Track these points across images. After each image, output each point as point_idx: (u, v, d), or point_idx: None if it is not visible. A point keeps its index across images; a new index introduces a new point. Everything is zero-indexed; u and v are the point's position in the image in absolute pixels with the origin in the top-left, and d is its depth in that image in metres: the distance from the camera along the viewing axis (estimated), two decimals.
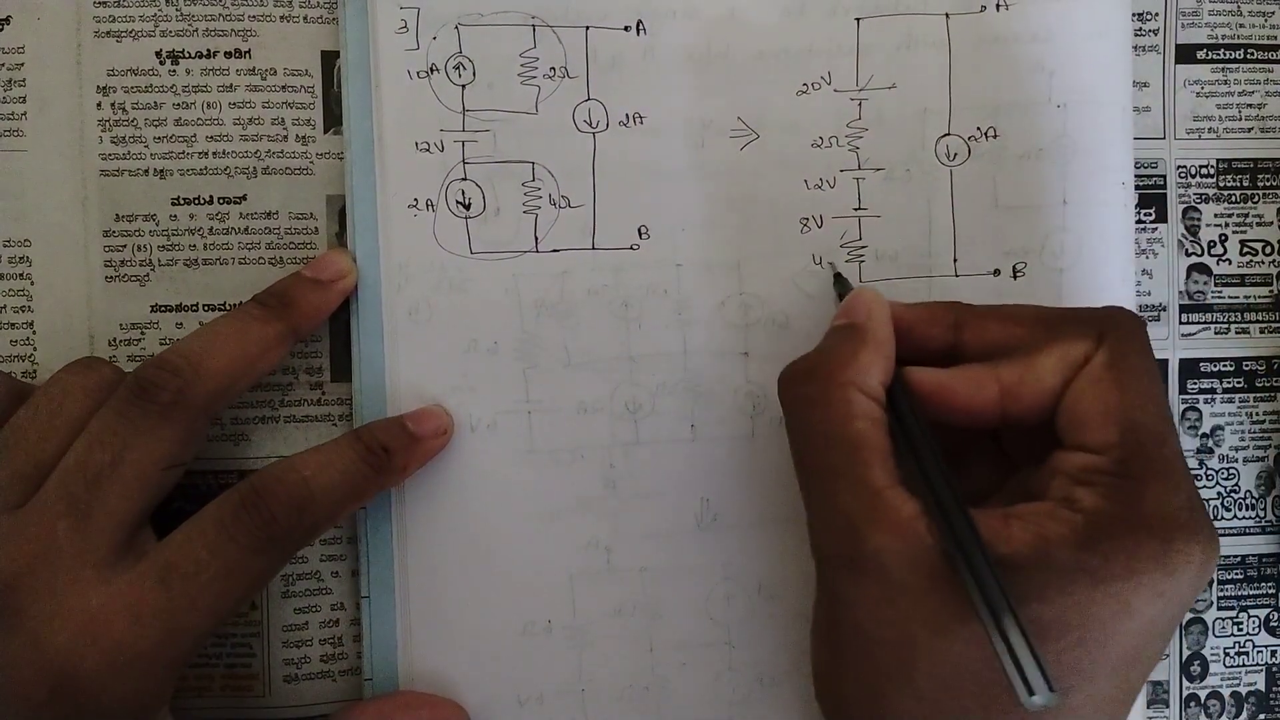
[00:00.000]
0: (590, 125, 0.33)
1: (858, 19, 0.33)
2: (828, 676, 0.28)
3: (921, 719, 0.26)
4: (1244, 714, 0.37)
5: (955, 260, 0.33)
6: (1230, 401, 0.37)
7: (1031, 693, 0.23)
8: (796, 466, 0.28)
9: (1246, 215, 0.37)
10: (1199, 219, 0.36)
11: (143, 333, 0.33)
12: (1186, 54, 0.36)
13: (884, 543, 0.25)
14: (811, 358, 0.29)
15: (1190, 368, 0.37)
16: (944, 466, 0.26)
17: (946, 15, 0.33)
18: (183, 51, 0.33)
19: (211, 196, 0.33)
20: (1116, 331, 0.27)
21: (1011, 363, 0.27)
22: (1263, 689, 0.37)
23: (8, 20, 0.33)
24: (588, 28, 0.33)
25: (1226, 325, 0.37)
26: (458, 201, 0.33)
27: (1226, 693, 0.37)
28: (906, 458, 0.27)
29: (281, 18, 0.33)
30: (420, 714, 0.32)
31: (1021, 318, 0.28)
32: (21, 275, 0.33)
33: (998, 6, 0.33)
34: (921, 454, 0.27)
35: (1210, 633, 0.37)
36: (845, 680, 0.27)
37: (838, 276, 0.33)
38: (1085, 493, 0.25)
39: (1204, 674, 0.37)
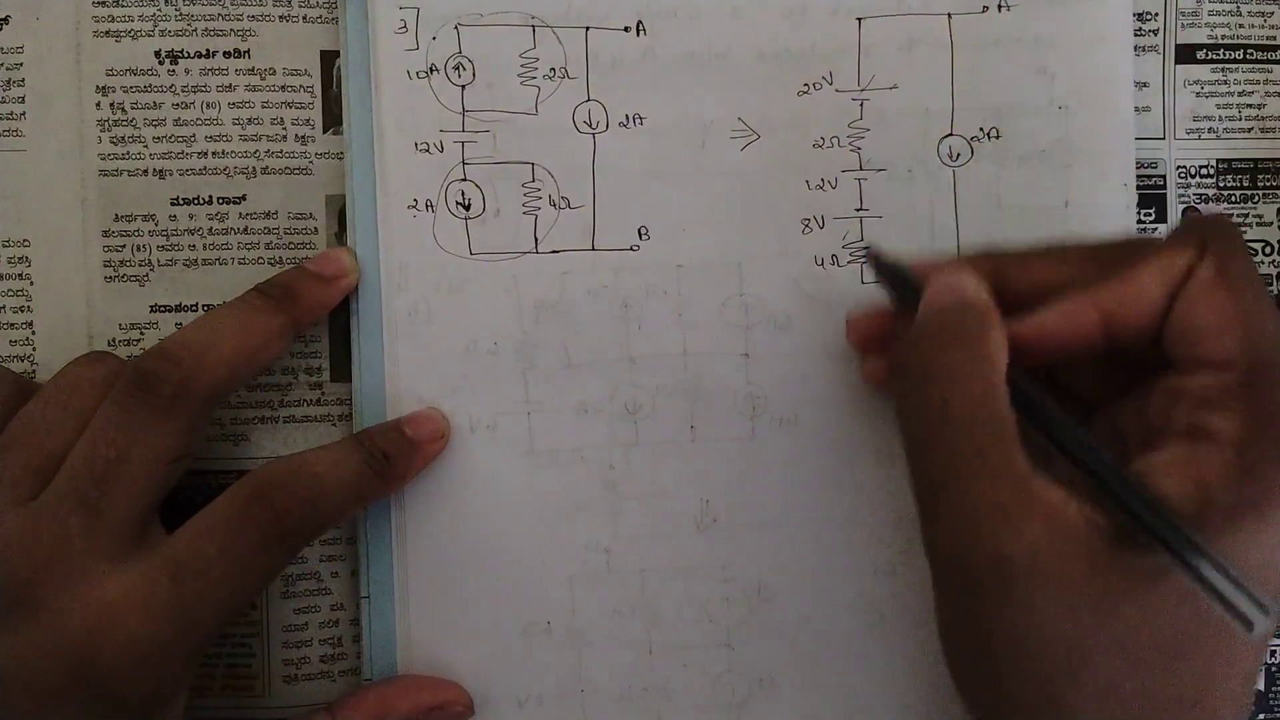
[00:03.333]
0: (590, 126, 0.33)
1: (859, 19, 0.33)
2: (976, 681, 0.26)
3: (1106, 702, 0.24)
4: None
5: None
6: None
7: (1250, 625, 0.22)
8: (917, 451, 0.26)
9: (1246, 215, 0.36)
10: None
11: (142, 333, 0.33)
12: (1186, 54, 0.36)
13: (1038, 536, 0.23)
14: (945, 330, 0.26)
15: None
16: (1094, 440, 0.25)
17: (949, 15, 0.33)
18: (182, 51, 0.33)
19: (211, 196, 0.33)
20: (1220, 238, 0.25)
21: (1107, 285, 0.25)
22: (1262, 689, 0.37)
23: (7, 20, 0.33)
24: (588, 28, 0.33)
25: None
26: (457, 202, 0.33)
27: None
28: (1036, 436, 0.25)
29: (281, 18, 0.33)
30: (421, 697, 0.32)
31: (1068, 255, 0.27)
32: (21, 275, 0.33)
33: (999, 7, 0.33)
34: (1065, 428, 0.25)
35: None
36: (1004, 682, 0.25)
37: (878, 262, 0.30)
38: (1220, 419, 0.23)
39: None
